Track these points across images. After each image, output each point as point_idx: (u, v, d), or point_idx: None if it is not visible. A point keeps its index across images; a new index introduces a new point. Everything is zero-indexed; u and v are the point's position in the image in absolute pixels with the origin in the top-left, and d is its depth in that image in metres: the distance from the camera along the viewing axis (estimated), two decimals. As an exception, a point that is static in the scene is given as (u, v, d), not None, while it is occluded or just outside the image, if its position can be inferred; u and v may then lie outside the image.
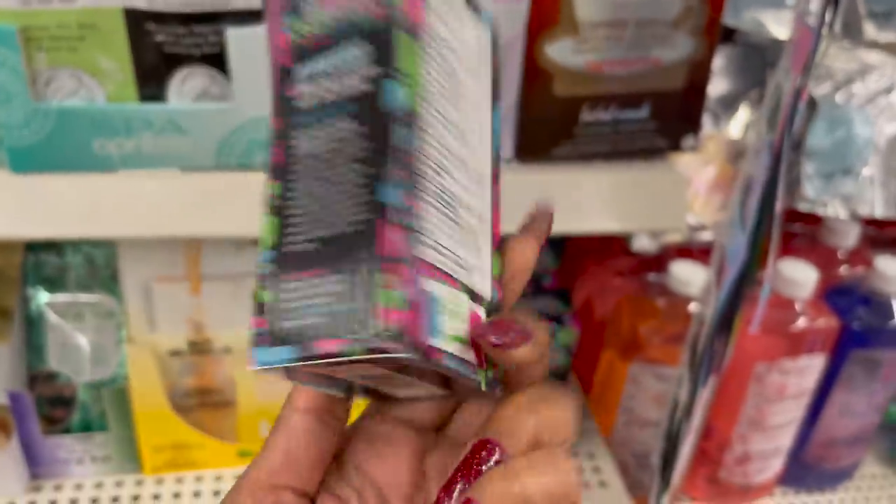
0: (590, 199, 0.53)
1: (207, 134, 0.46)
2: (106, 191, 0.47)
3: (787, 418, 0.74)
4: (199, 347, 0.58)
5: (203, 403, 0.61)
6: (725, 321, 0.49)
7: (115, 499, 0.60)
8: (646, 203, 0.54)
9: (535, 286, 0.63)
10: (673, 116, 0.54)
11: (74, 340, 0.60)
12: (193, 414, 0.61)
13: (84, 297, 0.60)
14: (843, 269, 0.83)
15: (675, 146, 0.56)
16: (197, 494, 0.61)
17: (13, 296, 0.60)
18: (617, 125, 0.54)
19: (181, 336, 0.58)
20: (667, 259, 0.79)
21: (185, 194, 0.48)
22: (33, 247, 0.60)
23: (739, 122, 0.72)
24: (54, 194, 0.46)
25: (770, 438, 0.75)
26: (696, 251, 0.83)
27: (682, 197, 0.54)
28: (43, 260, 0.60)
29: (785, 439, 0.77)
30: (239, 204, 0.49)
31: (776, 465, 0.79)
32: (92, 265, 0.60)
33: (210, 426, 0.61)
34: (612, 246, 0.81)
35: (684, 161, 0.68)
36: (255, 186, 0.48)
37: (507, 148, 0.53)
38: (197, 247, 0.54)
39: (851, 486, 0.84)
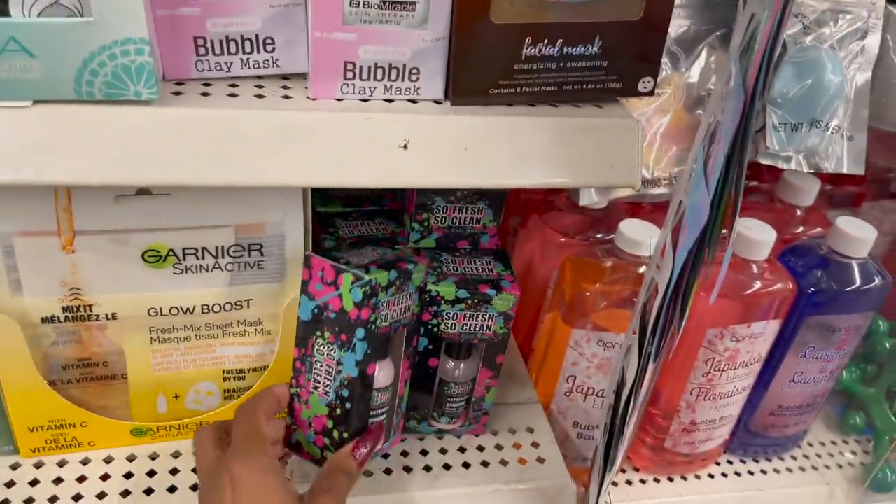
0: (532, 148, 0.46)
1: (62, 58, 0.38)
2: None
3: (737, 386, 0.70)
4: (78, 314, 0.50)
5: (87, 377, 0.53)
6: (682, 288, 0.43)
7: (-16, 485, 0.52)
8: (596, 154, 0.47)
9: (473, 245, 0.56)
10: (628, 54, 0.47)
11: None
12: (76, 389, 0.53)
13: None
14: (800, 229, 0.78)
15: (631, 89, 0.49)
16: (81, 479, 0.53)
17: None
18: (564, 62, 0.46)
19: (54, 301, 0.49)
20: (615, 216, 0.73)
21: (40, 132, 0.39)
22: None
23: (699, 66, 0.65)
24: None
25: (719, 407, 0.71)
26: (648, 208, 0.77)
27: (635, 148, 0.48)
28: None
29: (734, 408, 0.73)
30: (108, 145, 0.40)
31: (724, 434, 0.75)
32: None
33: (97, 403, 0.54)
34: (555, 200, 0.75)
35: (636, 107, 0.62)
36: (125, 123, 0.40)
37: (438, 86, 0.46)
38: (66, 196, 0.46)
39: (799, 453, 0.81)
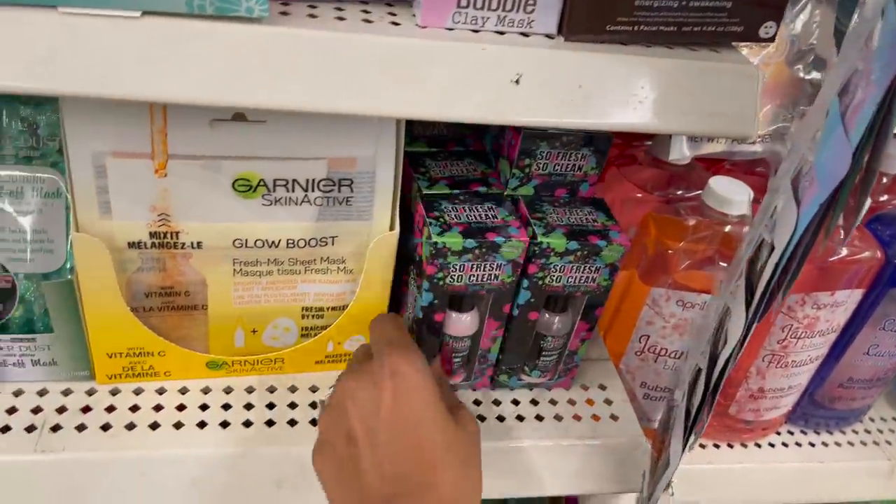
0: (648, 90, 0.44)
1: (178, -35, 0.36)
2: (45, 34, 0.36)
3: (811, 355, 0.68)
4: (164, 240, 0.49)
5: (168, 306, 0.52)
6: (801, 248, 0.41)
7: (61, 409, 0.51)
8: (713, 100, 0.45)
9: (570, 194, 0.54)
10: (754, -4, 0.44)
11: (13, 223, 0.50)
12: (156, 318, 0.52)
13: (24, 172, 0.50)
14: (885, 197, 0.75)
15: (752, 34, 0.46)
16: (158, 408, 0.53)
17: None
18: (687, 1, 0.44)
19: (142, 225, 0.48)
20: (695, 173, 0.70)
21: (147, 45, 0.38)
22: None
23: (803, 20, 0.62)
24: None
25: (789, 376, 0.69)
26: (726, 167, 0.75)
27: (754, 96, 0.45)
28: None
29: (804, 377, 0.71)
30: (214, 63, 0.38)
31: (789, 404, 0.73)
32: (34, 134, 0.50)
33: (176, 333, 0.53)
34: (634, 153, 0.72)
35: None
36: (234, 41, 0.38)
37: (552, 20, 0.43)
38: (162, 118, 0.44)
39: (860, 427, 0.79)
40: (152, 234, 0.48)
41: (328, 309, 0.55)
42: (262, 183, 0.48)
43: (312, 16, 0.41)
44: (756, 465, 0.74)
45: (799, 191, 0.42)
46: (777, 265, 0.42)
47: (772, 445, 0.76)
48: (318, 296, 0.54)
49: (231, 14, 0.38)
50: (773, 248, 0.42)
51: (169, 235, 0.49)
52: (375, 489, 0.41)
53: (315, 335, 0.56)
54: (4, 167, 0.50)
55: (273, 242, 0.50)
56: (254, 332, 0.54)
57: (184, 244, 0.49)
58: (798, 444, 0.76)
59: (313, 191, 0.49)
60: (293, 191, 0.49)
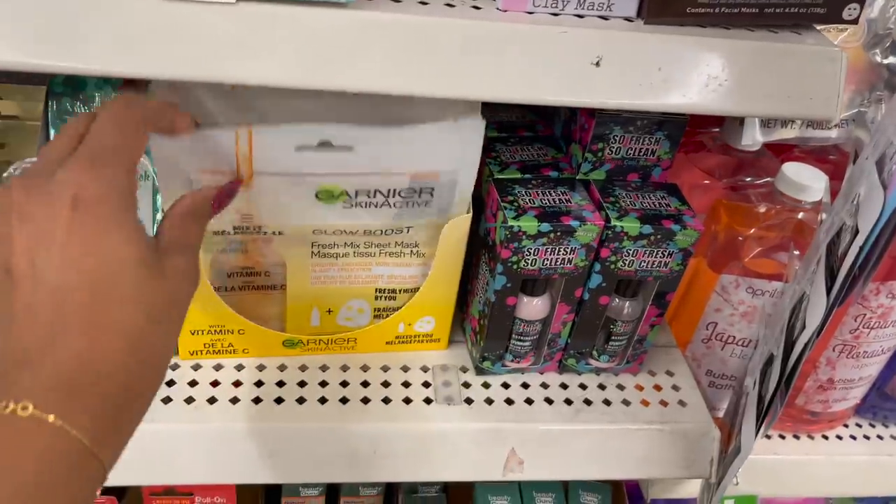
0: (728, 72, 0.44)
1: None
2: (141, 17, 0.38)
3: (883, 346, 0.67)
4: (247, 231, 0.51)
5: (248, 285, 0.54)
6: (889, 231, 0.40)
7: (147, 382, 0.54)
8: (795, 83, 0.44)
9: (643, 179, 0.54)
10: (838, -24, 0.44)
11: (103, 204, 0.52)
12: (236, 296, 0.54)
13: (114, 155, 0.52)
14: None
15: (835, 16, 0.45)
16: (237, 384, 0.55)
17: (34, 149, 0.52)
18: (770, -18, 0.43)
19: (226, 222, 0.50)
20: (764, 160, 0.70)
21: (241, 30, 0.39)
22: (56, 92, 0.51)
23: (880, 3, 0.61)
24: (78, 18, 0.37)
25: (860, 366, 0.68)
26: (796, 154, 0.73)
27: (837, 78, 0.45)
28: (67, 108, 0.51)
29: (875, 368, 0.70)
30: (303, 46, 0.40)
31: (858, 396, 0.72)
32: (124, 118, 0.52)
33: (254, 311, 0.55)
34: (703, 139, 0.72)
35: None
36: (323, 24, 0.39)
37: (631, 4, 0.44)
38: (248, 142, 0.45)
39: (932, 421, 0.77)
40: (236, 227, 0.50)
41: (400, 291, 0.56)
42: (344, 193, 0.49)
43: (396, 0, 0.42)
44: (823, 457, 0.72)
45: (885, 174, 0.41)
46: (861, 248, 0.41)
47: (839, 438, 0.74)
48: (391, 278, 0.55)
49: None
50: (856, 232, 0.42)
51: (252, 229, 0.51)
52: (24, 340, 0.31)
53: (386, 316, 0.57)
54: (97, 150, 0.52)
55: (351, 231, 0.52)
56: (329, 311, 0.56)
57: (266, 233, 0.51)
58: (866, 437, 0.75)
59: (394, 197, 0.50)
60: (374, 197, 0.50)
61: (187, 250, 0.39)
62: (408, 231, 0.53)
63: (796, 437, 0.74)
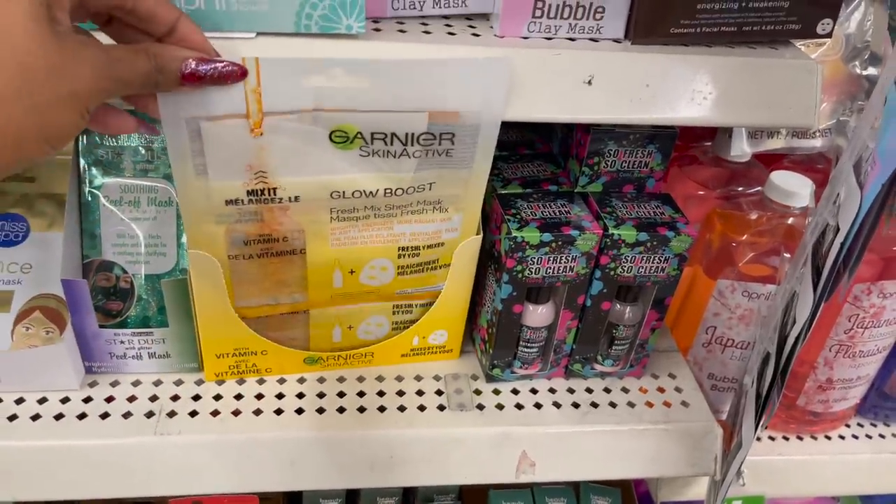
0: (711, 87, 0.47)
1: (290, -9, 0.41)
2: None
3: (878, 345, 0.69)
4: (262, 197, 0.49)
5: (267, 252, 0.53)
6: (867, 229, 0.43)
7: (175, 397, 0.56)
8: (774, 94, 0.48)
9: (638, 189, 0.57)
10: (810, -5, 0.47)
11: (131, 229, 0.56)
12: (255, 264, 0.53)
13: (140, 183, 0.55)
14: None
15: (809, 31, 0.49)
16: (259, 397, 0.58)
17: (66, 181, 0.55)
18: (746, 2, 0.47)
19: (238, 185, 0.48)
20: (755, 170, 0.73)
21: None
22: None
23: (857, 18, 0.64)
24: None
25: (858, 366, 0.70)
26: (785, 163, 0.77)
27: (814, 89, 0.48)
28: (97, 141, 0.55)
29: (872, 367, 0.72)
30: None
31: (857, 395, 0.74)
32: (149, 148, 0.55)
33: (274, 277, 0.54)
34: (695, 153, 0.75)
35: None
36: (335, 55, 0.43)
37: (619, 25, 0.47)
38: (256, 77, 0.42)
39: (933, 419, 0.79)
40: (249, 193, 0.49)
41: (424, 247, 0.56)
42: (359, 135, 0.47)
43: (402, 31, 0.46)
44: (826, 457, 0.74)
45: (861, 175, 0.44)
46: (843, 245, 0.44)
47: (842, 437, 0.76)
48: (414, 235, 0.55)
49: (333, 32, 0.43)
50: (837, 230, 0.45)
51: (266, 192, 0.49)
52: None
53: (410, 273, 0.57)
54: (124, 179, 0.55)
55: (370, 192, 0.51)
56: (351, 272, 0.56)
57: (281, 199, 0.50)
58: (868, 437, 0.77)
59: (412, 144, 0.48)
60: (392, 144, 0.48)
61: (104, 53, 0.35)
62: (430, 188, 0.51)
63: (800, 437, 0.76)
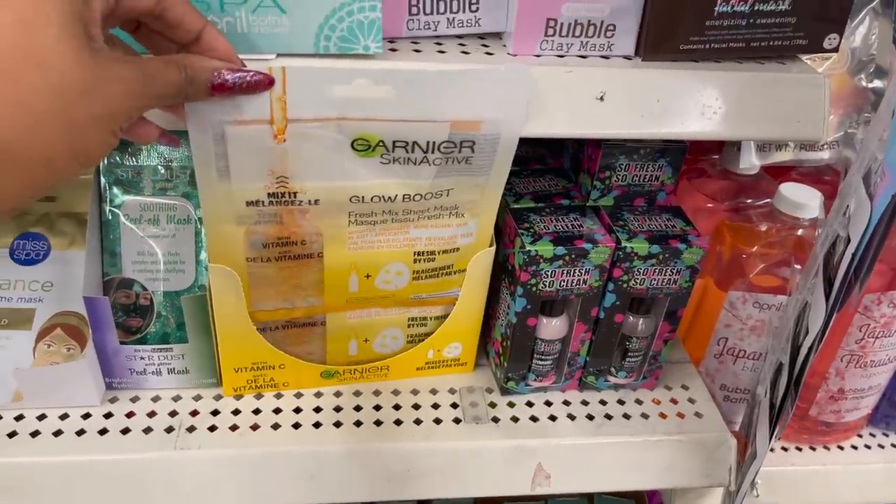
0: (721, 101, 0.48)
1: (308, 13, 0.42)
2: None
3: (889, 355, 0.70)
4: (282, 199, 0.50)
5: (284, 256, 0.54)
6: (878, 239, 0.44)
7: (194, 412, 0.57)
8: (783, 108, 0.48)
9: (649, 203, 0.58)
10: (816, 11, 0.48)
11: (151, 247, 0.57)
12: (272, 268, 0.54)
13: (160, 201, 0.56)
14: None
15: (816, 46, 0.50)
16: (277, 411, 0.58)
17: (86, 200, 0.56)
18: (754, 19, 0.48)
19: (260, 188, 0.49)
20: (763, 183, 0.74)
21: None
22: (107, 146, 0.56)
23: (862, 32, 0.65)
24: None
25: (869, 376, 0.71)
26: (793, 176, 0.77)
27: (822, 102, 0.49)
28: (117, 161, 0.56)
29: (884, 377, 0.72)
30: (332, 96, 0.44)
31: (869, 405, 0.75)
32: (168, 168, 0.56)
33: (291, 281, 0.55)
34: (705, 166, 0.76)
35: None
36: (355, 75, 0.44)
37: (630, 43, 0.48)
38: (282, 84, 0.43)
39: (946, 429, 0.79)
40: (270, 195, 0.49)
41: (439, 252, 0.56)
42: (381, 143, 0.48)
43: (417, 51, 0.47)
44: (839, 467, 0.74)
45: (871, 186, 0.45)
46: (854, 255, 0.45)
47: (854, 448, 0.77)
48: (430, 240, 0.55)
49: (350, 52, 0.44)
50: (848, 241, 0.46)
51: (287, 195, 0.50)
52: None
53: (425, 277, 0.57)
54: (144, 197, 0.56)
55: (389, 198, 0.51)
56: (367, 276, 0.56)
57: (301, 202, 0.50)
58: (881, 446, 0.77)
59: (433, 152, 0.48)
60: (412, 152, 0.48)
61: (138, 70, 0.35)
62: (448, 194, 0.52)
63: (812, 448, 0.76)
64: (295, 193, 0.50)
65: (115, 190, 0.56)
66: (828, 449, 0.76)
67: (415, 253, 0.56)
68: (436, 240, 0.55)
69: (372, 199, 0.51)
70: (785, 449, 0.75)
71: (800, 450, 0.76)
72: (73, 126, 0.32)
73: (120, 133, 0.35)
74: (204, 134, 0.44)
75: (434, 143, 0.48)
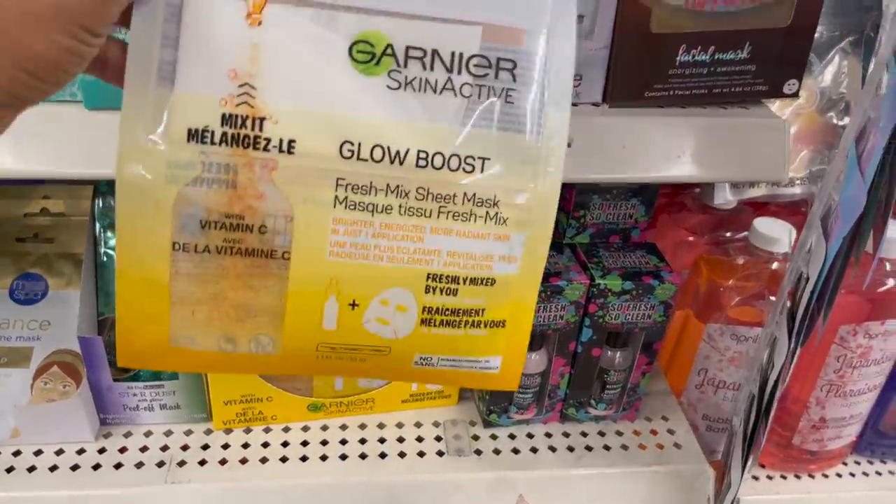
0: (685, 146, 0.50)
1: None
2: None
3: (868, 384, 0.71)
4: (241, 131, 0.33)
5: (231, 248, 0.34)
6: (833, 276, 0.46)
7: (185, 447, 0.59)
8: (745, 151, 0.51)
9: (623, 240, 0.60)
10: (776, 58, 0.51)
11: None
12: (213, 262, 0.34)
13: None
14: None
15: (776, 91, 0.52)
16: (265, 445, 0.60)
17: (82, 241, 0.59)
18: (715, 67, 0.50)
19: (213, 102, 0.32)
20: (742, 216, 0.75)
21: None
22: (102, 190, 0.58)
23: (832, 71, 0.68)
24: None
25: (849, 405, 0.72)
26: (771, 209, 0.79)
27: (783, 145, 0.51)
28: (112, 204, 0.59)
29: (864, 406, 0.74)
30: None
31: (852, 434, 0.76)
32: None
33: (238, 293, 0.35)
34: (684, 201, 0.78)
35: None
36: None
37: (597, 91, 0.50)
38: None
39: (930, 456, 0.80)
40: (226, 119, 0.33)
41: (466, 281, 0.36)
42: (390, 51, 0.33)
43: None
44: (824, 495, 0.75)
45: (828, 227, 0.47)
46: (812, 293, 0.47)
47: (839, 476, 0.78)
48: (454, 256, 0.36)
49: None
50: (808, 279, 0.48)
51: (249, 123, 0.33)
52: None
53: (440, 324, 0.37)
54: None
55: (398, 154, 0.34)
56: (352, 305, 0.36)
57: (268, 142, 0.33)
58: (865, 474, 0.78)
59: (460, 73, 0.34)
60: (432, 68, 0.34)
61: None
62: (483, 166, 0.35)
63: (797, 476, 0.77)
64: (262, 121, 0.33)
65: (110, 233, 0.59)
66: (812, 477, 0.77)
67: (429, 275, 0.36)
68: (462, 257, 0.36)
69: (373, 154, 0.34)
70: (770, 477, 0.76)
71: (785, 478, 0.76)
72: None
73: (90, 38, 0.28)
74: (153, 9, 0.32)
75: (461, 55, 0.34)
